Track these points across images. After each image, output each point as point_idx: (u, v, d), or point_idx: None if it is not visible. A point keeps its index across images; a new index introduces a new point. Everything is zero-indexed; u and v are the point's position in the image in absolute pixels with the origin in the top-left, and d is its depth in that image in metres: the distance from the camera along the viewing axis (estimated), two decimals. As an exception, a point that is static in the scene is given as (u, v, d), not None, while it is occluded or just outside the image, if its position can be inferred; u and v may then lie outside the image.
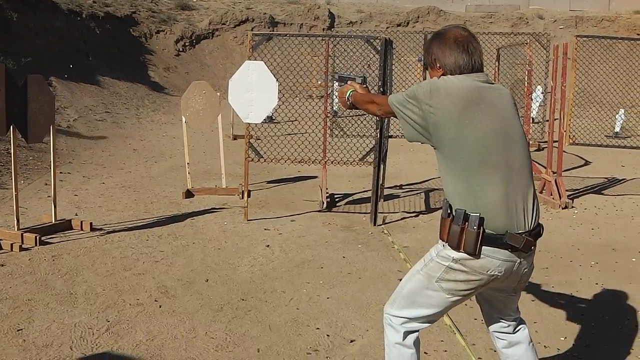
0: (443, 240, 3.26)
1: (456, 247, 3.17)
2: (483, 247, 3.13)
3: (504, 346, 3.60)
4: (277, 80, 8.23)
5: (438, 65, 3.35)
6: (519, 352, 3.57)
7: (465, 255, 3.16)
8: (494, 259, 3.15)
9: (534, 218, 3.23)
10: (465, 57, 3.28)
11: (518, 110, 3.39)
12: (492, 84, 3.33)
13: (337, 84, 4.14)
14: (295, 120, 9.33)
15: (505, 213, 3.14)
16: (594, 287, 6.23)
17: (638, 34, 28.94)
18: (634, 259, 7.18)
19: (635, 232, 8.25)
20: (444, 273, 3.25)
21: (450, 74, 3.30)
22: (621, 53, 14.64)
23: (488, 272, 3.18)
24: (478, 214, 3.11)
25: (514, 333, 3.57)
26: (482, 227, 3.11)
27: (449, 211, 3.23)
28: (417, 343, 3.45)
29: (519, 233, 3.15)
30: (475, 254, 3.13)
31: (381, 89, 8.29)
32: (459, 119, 3.16)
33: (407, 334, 3.42)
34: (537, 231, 3.25)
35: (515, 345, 3.57)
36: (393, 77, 11.06)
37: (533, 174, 3.35)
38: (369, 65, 11.87)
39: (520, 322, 3.60)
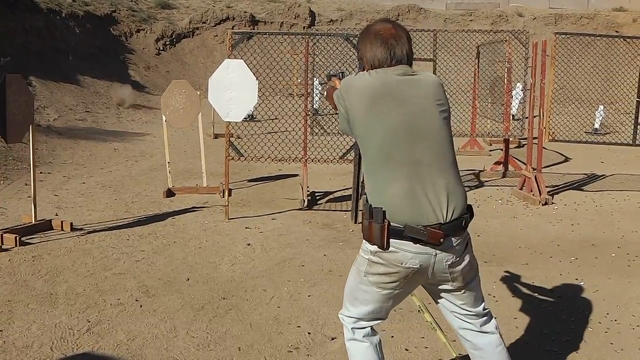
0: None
1: (368, 241, 3.24)
2: (391, 240, 3.15)
3: (470, 347, 3.57)
4: (257, 78, 8.22)
5: (364, 60, 3.39)
6: (486, 355, 3.53)
7: (378, 248, 3.20)
8: (405, 252, 3.17)
9: (449, 211, 3.18)
10: (383, 51, 3.29)
11: (445, 101, 3.33)
12: (413, 75, 3.30)
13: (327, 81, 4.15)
14: (276, 118, 9.32)
15: (407, 207, 3.15)
16: (574, 283, 6.27)
17: (616, 31, 29.12)
18: (613, 254, 7.24)
19: (614, 228, 8.32)
20: (368, 267, 3.29)
21: (371, 69, 3.33)
22: (600, 50, 14.73)
23: (403, 265, 3.19)
24: (380, 208, 3.14)
25: (480, 332, 3.50)
26: (385, 220, 3.13)
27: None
28: (368, 334, 3.47)
29: (426, 226, 3.13)
30: (383, 246, 3.16)
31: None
32: (365, 115, 3.21)
33: (354, 330, 3.47)
34: (455, 223, 3.20)
35: (480, 349, 3.52)
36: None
37: (451, 167, 3.28)
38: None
39: (488, 321, 3.53)
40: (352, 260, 6.60)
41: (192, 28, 29.10)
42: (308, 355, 4.68)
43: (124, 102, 19.94)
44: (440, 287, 3.39)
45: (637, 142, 10.67)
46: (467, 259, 3.32)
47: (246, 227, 7.96)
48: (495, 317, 3.60)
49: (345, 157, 8.71)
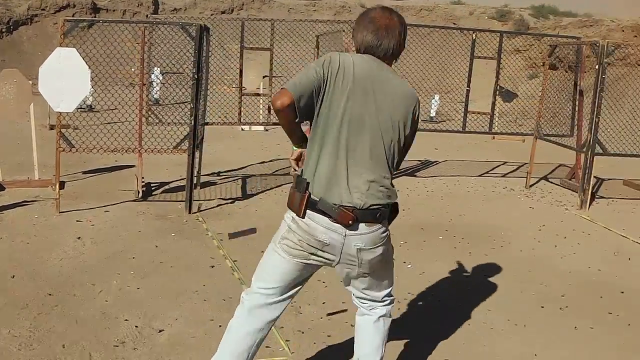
0: None
1: (289, 208, 3.40)
2: (308, 211, 3.30)
3: (358, 313, 3.85)
4: (97, 68, 8.06)
5: (354, 39, 3.47)
6: (363, 324, 3.81)
7: (295, 215, 3.34)
8: (317, 224, 3.30)
9: (365, 199, 3.30)
10: (372, 39, 3.39)
11: (412, 116, 3.45)
12: (392, 75, 3.43)
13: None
14: (116, 108, 9.07)
15: (327, 184, 3.29)
16: (402, 266, 6.46)
17: (454, 24, 30.23)
18: (440, 237, 7.54)
19: (443, 212, 8.65)
20: (285, 232, 3.42)
21: (357, 51, 3.44)
22: (437, 41, 15.23)
23: (315, 237, 3.32)
24: (305, 179, 3.31)
25: (367, 314, 3.79)
26: (307, 191, 3.29)
27: None
28: (262, 328, 3.57)
29: (336, 204, 3.27)
30: (299, 214, 3.31)
31: (195, 75, 8.27)
32: (340, 91, 3.28)
33: (251, 309, 3.53)
34: (370, 211, 3.32)
35: (364, 315, 3.80)
36: (214, 64, 11.01)
37: (383, 167, 3.38)
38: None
39: (379, 306, 3.77)
40: (184, 251, 6.59)
41: (31, 15, 28.10)
42: (134, 349, 4.62)
43: None
44: (346, 271, 3.51)
45: (466, 129, 11.10)
46: (379, 251, 3.46)
47: (77, 221, 7.75)
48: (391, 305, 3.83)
49: (180, 147, 8.61)
